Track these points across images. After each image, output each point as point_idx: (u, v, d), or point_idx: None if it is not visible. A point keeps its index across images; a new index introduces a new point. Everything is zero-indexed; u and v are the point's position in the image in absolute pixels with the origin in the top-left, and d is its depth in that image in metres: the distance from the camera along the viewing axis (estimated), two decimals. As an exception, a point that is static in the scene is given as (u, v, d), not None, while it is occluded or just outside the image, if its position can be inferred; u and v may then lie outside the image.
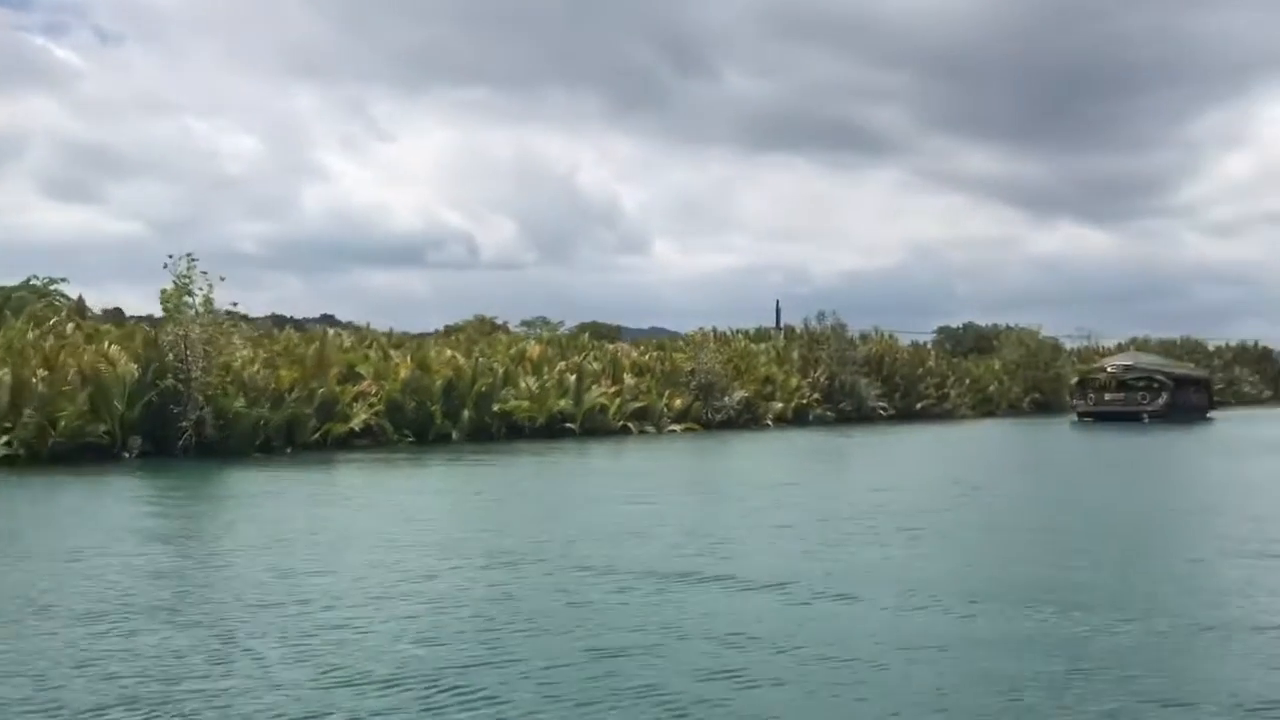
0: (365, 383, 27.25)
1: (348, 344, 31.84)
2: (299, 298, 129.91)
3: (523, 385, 31.21)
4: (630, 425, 33.37)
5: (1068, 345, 78.42)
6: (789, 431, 37.34)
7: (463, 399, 29.23)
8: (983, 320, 76.71)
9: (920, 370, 52.00)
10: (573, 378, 32.46)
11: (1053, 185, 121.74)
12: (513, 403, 30.12)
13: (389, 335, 31.94)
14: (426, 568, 9.87)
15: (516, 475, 20.28)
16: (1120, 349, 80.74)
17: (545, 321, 54.17)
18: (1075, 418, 48.48)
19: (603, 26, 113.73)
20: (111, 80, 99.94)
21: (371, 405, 26.99)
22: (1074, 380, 52.40)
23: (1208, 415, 52.11)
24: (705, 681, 6.28)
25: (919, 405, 50.06)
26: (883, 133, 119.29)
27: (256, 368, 25.52)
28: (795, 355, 46.42)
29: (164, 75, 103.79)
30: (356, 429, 26.10)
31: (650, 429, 34.02)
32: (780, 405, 41.14)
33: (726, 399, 38.50)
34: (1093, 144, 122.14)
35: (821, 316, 49.75)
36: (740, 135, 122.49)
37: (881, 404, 47.78)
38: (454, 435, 27.64)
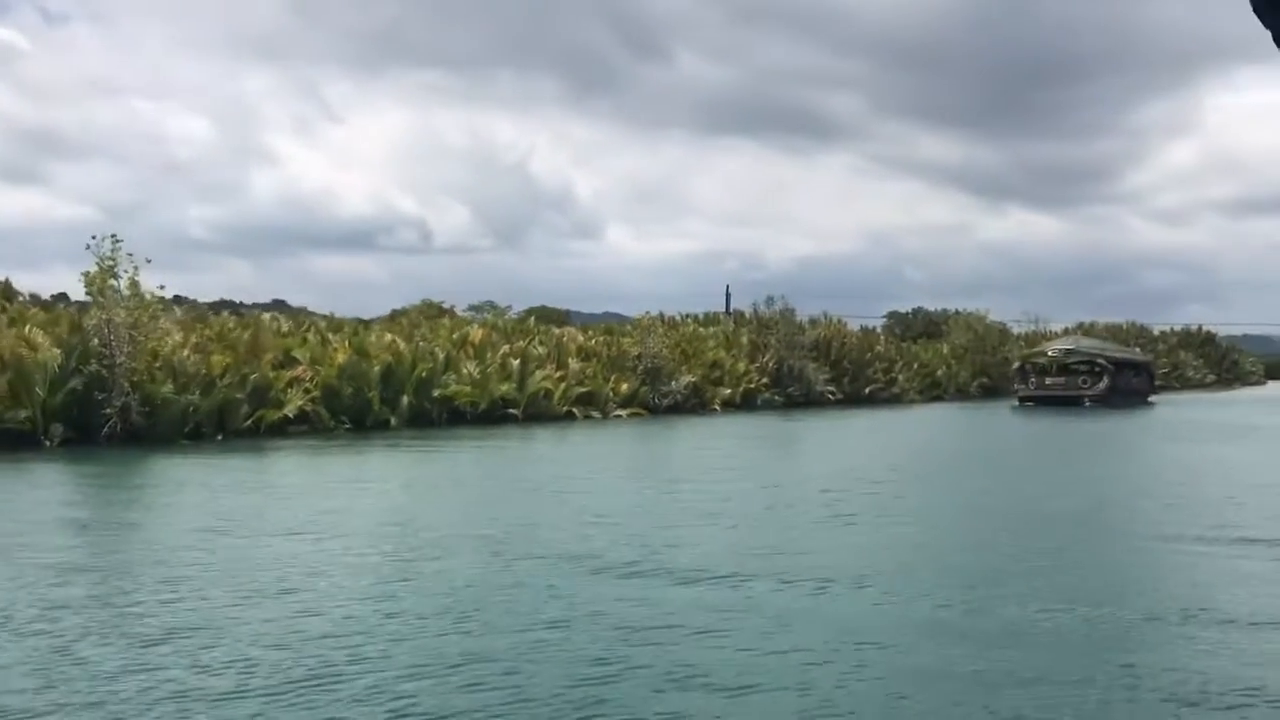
0: (300, 368, 26.72)
1: (286, 329, 31.26)
2: (250, 283, 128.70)
3: (465, 370, 30.81)
4: (575, 411, 33.08)
5: (1015, 330, 79.38)
6: (736, 417, 37.26)
7: (402, 385, 28.78)
8: (934, 306, 77.17)
9: (869, 355, 52.16)
10: (516, 362, 32.08)
11: (1005, 172, 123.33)
12: (454, 388, 29.71)
13: (328, 320, 31.33)
14: (324, 559, 9.56)
15: (449, 463, 19.95)
16: (1066, 333, 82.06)
17: (493, 306, 53.69)
18: (1016, 402, 48.33)
19: (559, 10, 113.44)
20: (57, 61, 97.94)
21: (307, 391, 26.48)
22: (1015, 364, 51.96)
23: (1149, 400, 52.12)
24: (595, 672, 6.06)
25: (867, 390, 50.22)
26: (838, 119, 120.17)
27: (187, 353, 24.94)
28: (744, 340, 46.38)
29: (111, 57, 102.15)
30: (291, 415, 25.57)
31: (596, 414, 33.76)
32: (728, 390, 41.04)
33: (673, 384, 38.33)
34: (1044, 132, 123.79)
35: (770, 301, 49.86)
36: (696, 120, 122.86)
37: (830, 388, 47.87)
38: (392, 421, 27.20)
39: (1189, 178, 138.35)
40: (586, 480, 16.56)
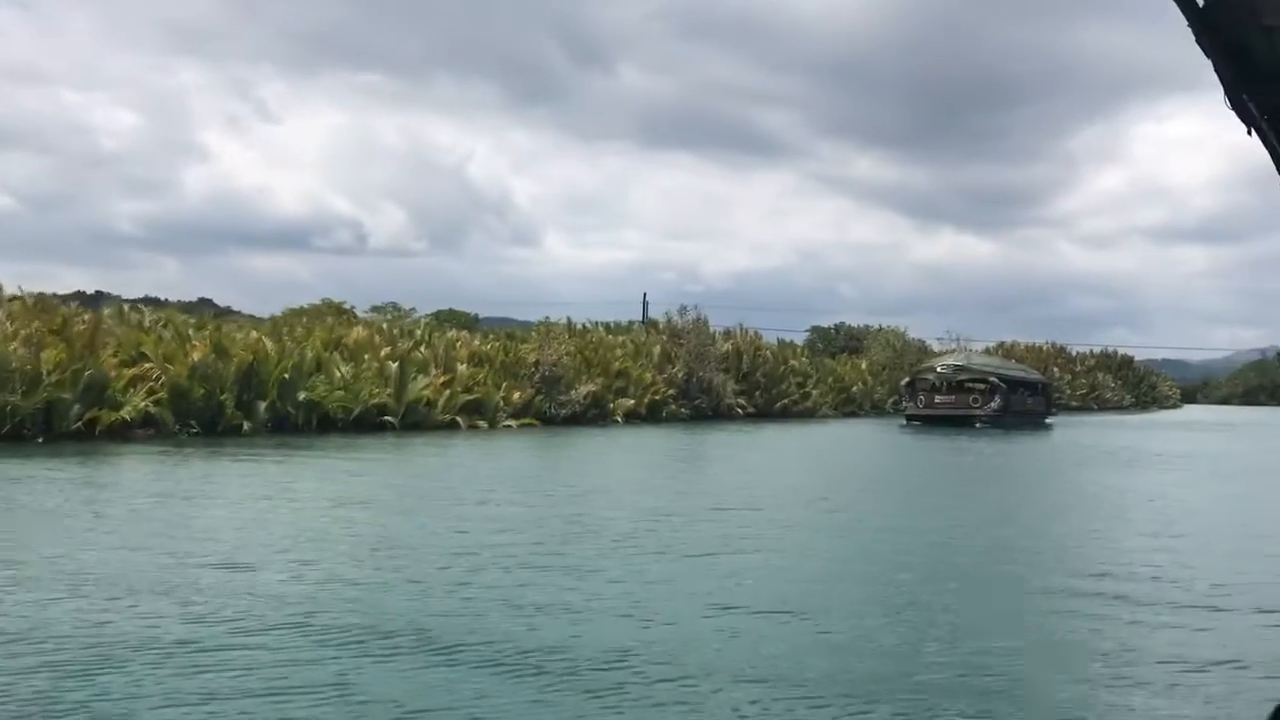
0: (145, 366, 24.37)
1: (148, 323, 28.80)
2: (178, 281, 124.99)
3: (338, 374, 28.63)
4: (460, 420, 31.03)
5: (938, 348, 78.84)
6: (636, 429, 35.46)
7: (265, 387, 26.57)
8: (866, 322, 76.12)
9: (782, 369, 50.84)
10: (395, 366, 29.95)
11: (938, 194, 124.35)
12: (321, 392, 27.54)
13: (190, 315, 28.80)
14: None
15: (267, 478, 17.76)
16: (988, 353, 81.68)
17: (396, 308, 51.24)
18: (904, 421, 45.30)
19: (502, 17, 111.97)
20: None
21: (152, 392, 24.14)
22: (904, 381, 48.68)
23: (1046, 421, 49.60)
24: None
25: (780, 404, 48.88)
26: (776, 135, 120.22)
27: (15, 346, 22.55)
28: (655, 350, 44.72)
29: (37, 45, 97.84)
30: (129, 419, 23.23)
31: (483, 424, 31.73)
32: (631, 401, 39.30)
33: (572, 394, 36.47)
34: (977, 154, 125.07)
35: (684, 310, 48.29)
36: (636, 132, 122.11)
37: (740, 401, 46.42)
38: (245, 427, 24.90)
39: (1117, 204, 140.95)
40: (388, 502, 14.60)
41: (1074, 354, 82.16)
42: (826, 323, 78.69)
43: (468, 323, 54.20)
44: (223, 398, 24.83)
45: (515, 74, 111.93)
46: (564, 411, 35.87)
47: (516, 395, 33.73)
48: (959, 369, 46.56)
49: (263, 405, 25.76)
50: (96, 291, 58.33)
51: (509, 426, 32.57)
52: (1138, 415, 69.81)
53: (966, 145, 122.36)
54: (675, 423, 40.14)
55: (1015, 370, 51.85)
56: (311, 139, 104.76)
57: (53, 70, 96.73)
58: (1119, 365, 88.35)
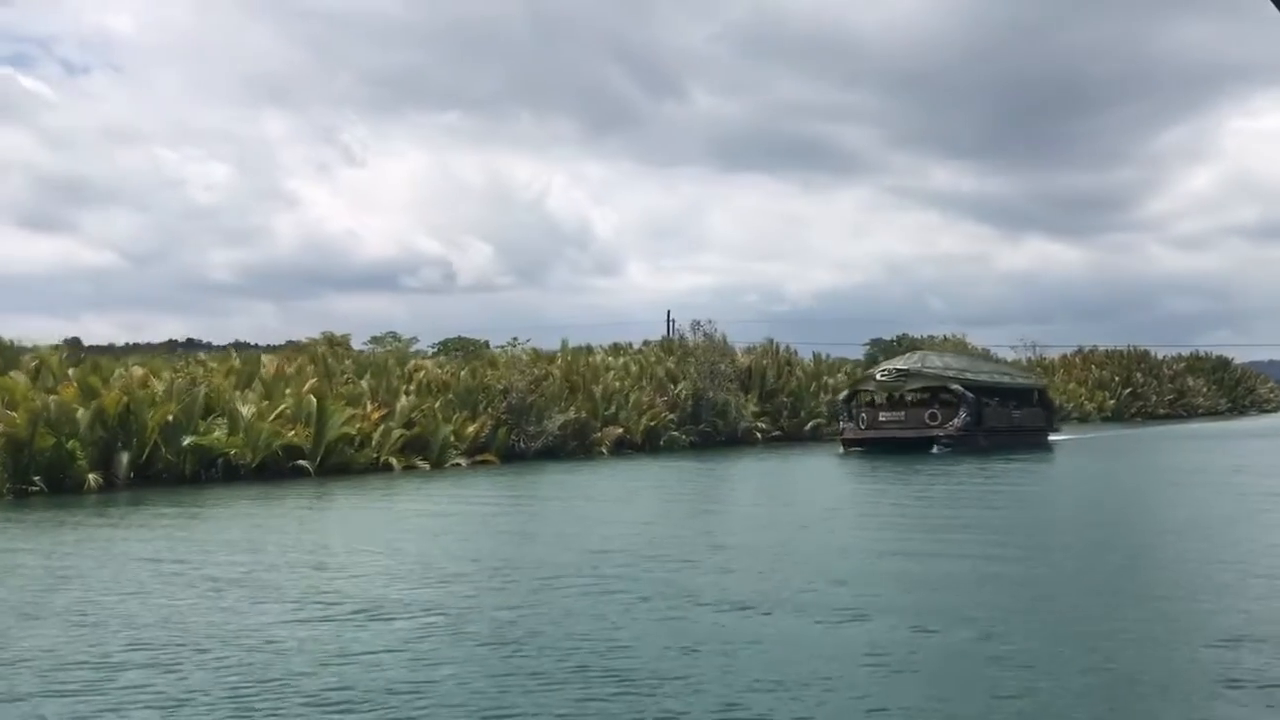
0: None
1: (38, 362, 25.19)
2: (273, 325, 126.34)
3: (242, 413, 24.65)
4: (394, 461, 26.81)
5: (1010, 357, 72.39)
6: (617, 462, 30.85)
7: (143, 433, 22.74)
8: (960, 335, 70.17)
9: (814, 386, 45.68)
10: (316, 401, 25.87)
11: (1021, 201, 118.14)
12: (212, 435, 23.60)
13: (60, 349, 25.02)
14: None
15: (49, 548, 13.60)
16: (1064, 361, 74.79)
17: (396, 338, 47.51)
18: (841, 448, 34.22)
19: (573, 50, 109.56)
20: (80, 110, 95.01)
21: (-19, 442, 20.44)
22: (842, 394, 37.48)
23: (1048, 439, 38.49)
24: None
25: (811, 425, 43.71)
26: (851, 151, 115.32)
27: None
28: (661, 370, 40.09)
29: (131, 105, 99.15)
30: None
31: (424, 465, 27.47)
32: (620, 430, 34.70)
33: (546, 423, 32.04)
34: (1060, 160, 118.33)
35: (696, 326, 43.54)
36: (711, 156, 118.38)
37: (760, 424, 41.40)
38: (90, 482, 20.95)
39: (1209, 204, 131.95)
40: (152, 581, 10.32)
41: (1160, 358, 74.96)
42: (918, 334, 73.45)
43: (477, 350, 50.09)
44: (69, 446, 20.97)
45: (588, 105, 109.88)
46: (535, 445, 31.46)
47: (471, 428, 29.40)
48: (902, 374, 35.40)
49: (125, 456, 21.88)
50: (188, 339, 57.43)
51: (458, 465, 28.28)
52: (1223, 422, 62.25)
53: (1048, 150, 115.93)
54: (674, 452, 35.43)
55: (995, 374, 40.14)
56: (396, 180, 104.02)
57: (147, 128, 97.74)
58: (1213, 368, 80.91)
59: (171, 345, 50.59)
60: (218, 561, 12.04)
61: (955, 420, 33.68)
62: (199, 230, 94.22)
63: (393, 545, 13.44)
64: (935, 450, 31.89)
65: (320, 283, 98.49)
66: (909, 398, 35.70)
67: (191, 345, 51.91)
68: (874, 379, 36.11)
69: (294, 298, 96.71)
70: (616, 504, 19.48)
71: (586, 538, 13.82)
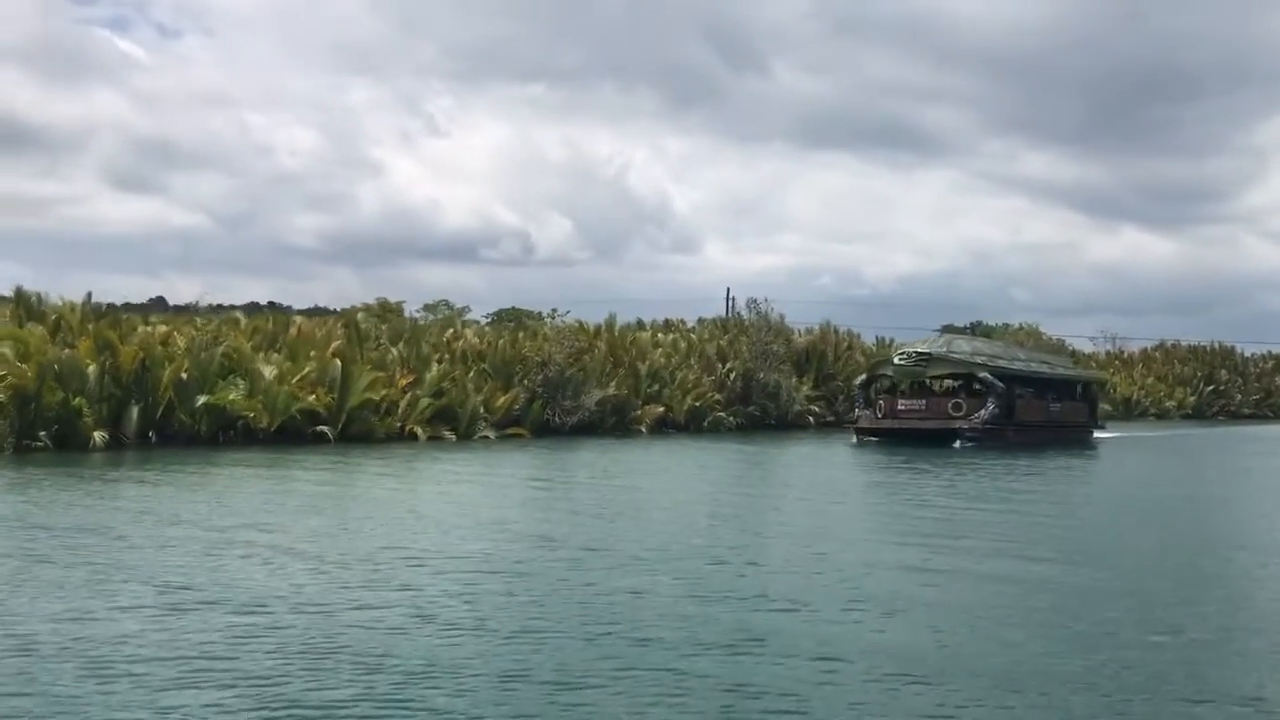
0: (-13, 366, 20.31)
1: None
2: (354, 291, 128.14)
3: (265, 375, 24.06)
4: (419, 431, 26.03)
5: (1089, 350, 69.32)
6: (655, 441, 29.73)
7: (157, 392, 22.25)
8: (1046, 327, 67.64)
9: (873, 370, 43.94)
10: (338, 365, 25.17)
11: (1115, 190, 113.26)
12: (230, 396, 23.03)
13: (87, 306, 24.33)
14: None
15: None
16: (1144, 355, 71.42)
17: (448, 306, 46.99)
18: (854, 438, 31.66)
19: (658, 23, 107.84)
20: (173, 74, 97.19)
21: (-8, 396, 20.05)
22: (859, 379, 34.51)
23: (1092, 436, 35.16)
24: None
25: (867, 411, 42.04)
26: (939, 133, 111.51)
27: None
28: (712, 350, 38.80)
29: (222, 70, 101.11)
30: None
31: (450, 435, 26.66)
32: (661, 409, 33.54)
33: (584, 398, 31.02)
34: (1156, 149, 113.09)
35: (752, 304, 42.12)
36: (793, 133, 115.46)
37: (814, 408, 39.92)
38: (95, 440, 20.47)
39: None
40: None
41: (1247, 355, 71.34)
42: (994, 321, 71.09)
43: (535, 324, 49.29)
44: (75, 403, 20.50)
45: (671, 79, 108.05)
46: (571, 420, 30.48)
47: (502, 400, 28.51)
48: (924, 359, 31.88)
49: (135, 414, 21.38)
50: (269, 302, 58.46)
51: (486, 438, 27.42)
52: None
53: (1145, 139, 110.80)
54: (716, 433, 34.20)
55: (1032, 363, 35.88)
56: (478, 152, 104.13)
57: (238, 94, 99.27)
58: (1305, 366, 76.66)
59: (253, 307, 50.92)
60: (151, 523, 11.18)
61: (981, 412, 30.68)
62: (285, 195, 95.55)
63: (319, 531, 12.47)
64: (957, 445, 29.12)
65: (401, 251, 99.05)
66: (936, 386, 33.05)
67: (274, 308, 52.14)
68: (892, 363, 33.06)
69: (375, 265, 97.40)
70: (584, 487, 18.32)
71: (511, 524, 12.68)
